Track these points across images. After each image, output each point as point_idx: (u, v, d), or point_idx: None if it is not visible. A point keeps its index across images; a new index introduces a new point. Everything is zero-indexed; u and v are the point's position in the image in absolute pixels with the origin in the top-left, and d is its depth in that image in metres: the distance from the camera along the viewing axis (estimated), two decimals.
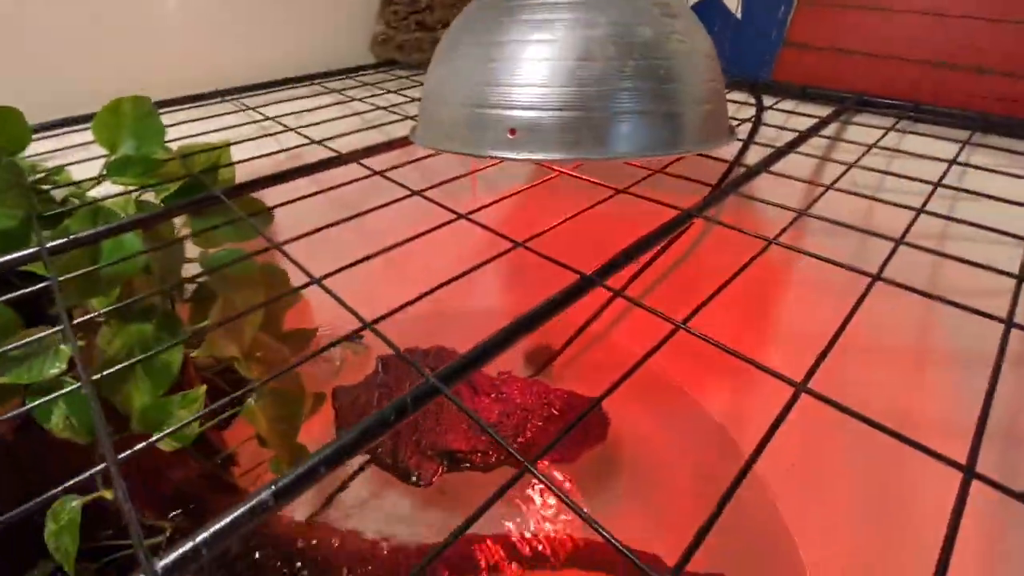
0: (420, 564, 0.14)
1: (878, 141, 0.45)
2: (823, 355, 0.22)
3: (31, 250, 0.32)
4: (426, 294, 0.26)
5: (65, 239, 0.33)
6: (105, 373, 0.27)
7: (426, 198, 0.36)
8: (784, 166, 0.40)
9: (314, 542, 0.49)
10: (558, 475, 0.56)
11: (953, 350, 0.37)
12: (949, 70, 0.52)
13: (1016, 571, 0.32)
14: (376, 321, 0.24)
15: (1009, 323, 0.23)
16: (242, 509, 0.17)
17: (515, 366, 0.67)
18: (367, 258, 0.29)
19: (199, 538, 0.16)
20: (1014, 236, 0.31)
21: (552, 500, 0.54)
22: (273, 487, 0.17)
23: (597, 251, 0.31)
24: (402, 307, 0.25)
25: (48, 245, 0.32)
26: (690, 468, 0.56)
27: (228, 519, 0.16)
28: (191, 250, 0.49)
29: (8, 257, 0.32)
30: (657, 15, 0.32)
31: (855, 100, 0.55)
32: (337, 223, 0.34)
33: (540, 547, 0.49)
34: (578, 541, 0.50)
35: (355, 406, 0.59)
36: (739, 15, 0.64)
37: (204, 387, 0.41)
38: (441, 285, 0.28)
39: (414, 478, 0.49)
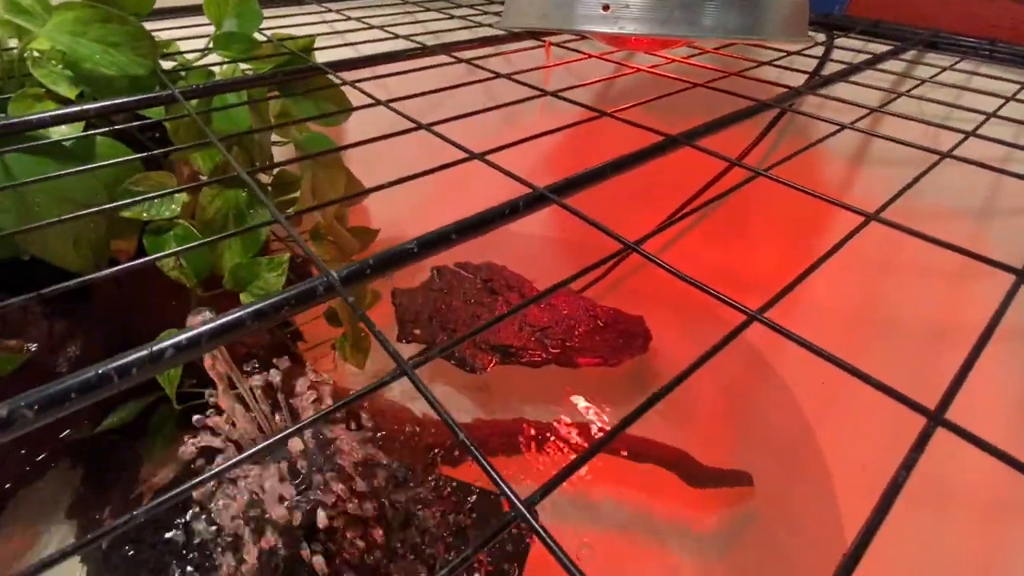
0: (445, 346, 0.16)
1: (955, 63, 0.45)
2: (901, 192, 0.24)
3: (165, 92, 0.36)
4: (520, 141, 0.29)
5: (193, 87, 0.37)
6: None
7: (514, 79, 0.38)
8: (859, 79, 0.41)
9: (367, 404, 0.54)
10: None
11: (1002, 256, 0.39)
12: None
13: None
14: (486, 153, 0.27)
15: None
16: (393, 251, 0.20)
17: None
18: (474, 113, 0.31)
19: (368, 261, 0.19)
20: None
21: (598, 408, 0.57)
22: (416, 241, 0.21)
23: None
24: (508, 146, 0.28)
25: (179, 91, 0.36)
26: (722, 386, 0.59)
27: (385, 256, 0.20)
28: (276, 139, 0.53)
29: (144, 96, 0.35)
30: None
31: (929, 34, 0.55)
32: (436, 91, 0.36)
33: (577, 436, 0.53)
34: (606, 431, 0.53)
35: (412, 305, 0.63)
36: None
37: (288, 254, 0.45)
38: (528, 139, 0.30)
39: (470, 367, 0.53)
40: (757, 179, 0.64)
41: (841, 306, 0.50)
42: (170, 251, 0.39)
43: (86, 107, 0.34)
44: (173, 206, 0.40)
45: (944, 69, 0.44)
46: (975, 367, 0.18)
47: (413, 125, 0.31)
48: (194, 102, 0.37)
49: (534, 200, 0.24)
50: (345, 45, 0.51)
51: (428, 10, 0.65)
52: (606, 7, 0.33)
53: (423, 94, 0.37)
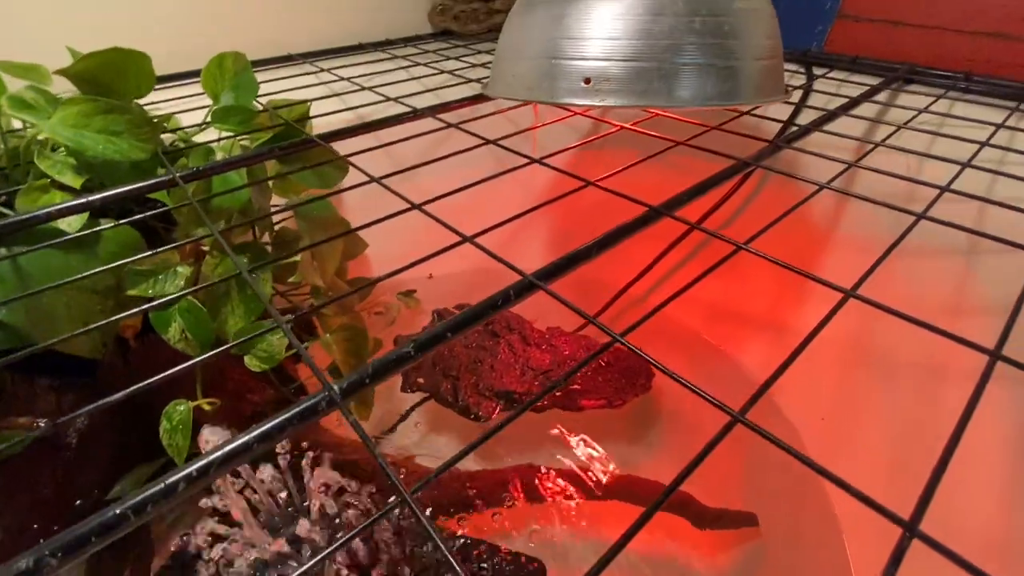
0: (431, 474, 0.17)
1: (930, 105, 0.47)
2: (871, 269, 0.25)
3: (166, 177, 0.37)
4: (513, 219, 0.30)
5: (192, 170, 0.38)
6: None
7: (501, 146, 0.39)
8: (835, 127, 0.42)
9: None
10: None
11: (989, 302, 0.40)
12: (1003, 40, 0.52)
13: None
14: (475, 235, 0.28)
15: None
16: (391, 356, 0.21)
17: (562, 323, 0.71)
18: (465, 188, 0.32)
19: (366, 370, 0.20)
20: None
21: (595, 445, 0.58)
22: (413, 342, 0.21)
23: (655, 201, 0.33)
24: (497, 226, 0.29)
25: (180, 174, 0.37)
26: (725, 419, 0.59)
27: (383, 362, 0.21)
28: (275, 200, 0.54)
29: (147, 183, 0.37)
30: None
31: (906, 70, 0.56)
32: (426, 164, 0.37)
33: (583, 481, 0.53)
34: (614, 476, 0.54)
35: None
36: None
37: (291, 315, 0.46)
38: (522, 214, 0.31)
39: (474, 415, 0.54)
40: (744, 212, 0.65)
41: (836, 340, 0.51)
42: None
43: (91, 199, 0.35)
44: (177, 281, 0.41)
45: (920, 111, 0.46)
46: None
47: (406, 205, 0.32)
48: (194, 185, 0.39)
49: (524, 288, 0.25)
50: (339, 112, 0.53)
51: (417, 64, 0.68)
52: (587, 80, 0.35)
53: (413, 168, 0.39)
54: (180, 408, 0.40)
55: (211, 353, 0.27)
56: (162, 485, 0.16)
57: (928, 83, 0.55)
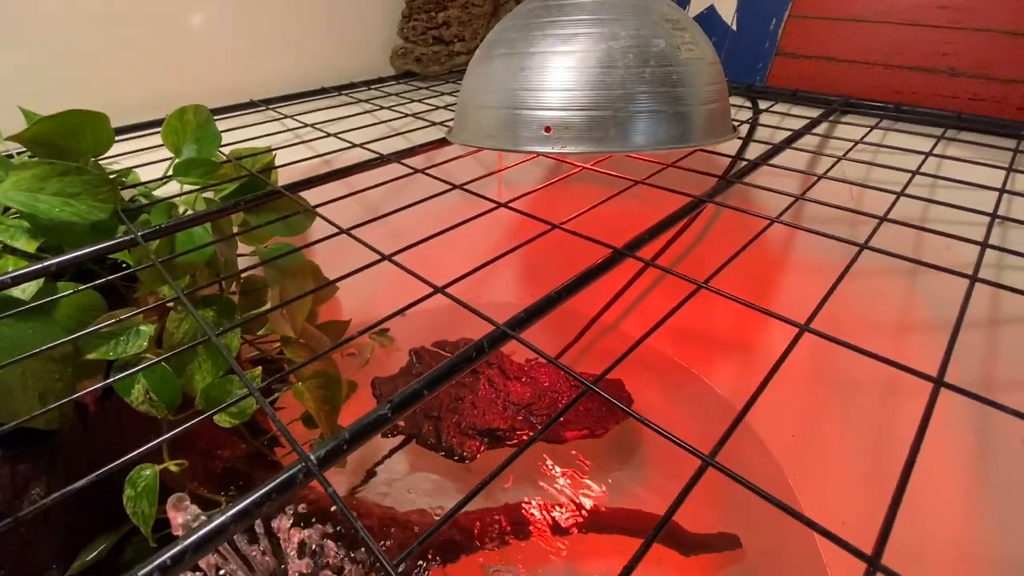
0: (430, 531, 0.17)
1: (865, 136, 0.50)
2: (823, 301, 0.26)
3: (127, 237, 0.36)
4: (482, 267, 0.31)
5: (154, 228, 0.38)
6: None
7: (467, 190, 0.40)
8: (780, 160, 0.45)
9: (355, 514, 0.53)
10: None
11: (931, 320, 0.42)
12: (927, 74, 0.57)
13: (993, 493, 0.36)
14: (446, 286, 0.29)
15: (974, 278, 0.28)
16: (367, 420, 0.21)
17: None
18: (433, 236, 0.33)
19: (346, 434, 0.20)
20: (982, 213, 0.36)
21: (577, 475, 0.58)
22: (389, 403, 0.22)
23: (617, 240, 0.35)
24: (467, 274, 0.29)
25: (141, 233, 0.37)
26: (701, 440, 0.60)
27: (360, 425, 0.21)
28: (240, 248, 0.53)
29: (107, 244, 0.36)
30: (669, 29, 0.37)
31: (842, 102, 0.61)
32: (394, 212, 0.38)
33: (569, 515, 0.53)
34: (601, 508, 0.54)
35: (393, 393, 0.63)
36: (735, 27, 0.70)
37: (260, 368, 0.45)
38: (490, 262, 0.32)
39: (458, 456, 0.54)
40: (703, 240, 0.68)
41: (800, 361, 0.53)
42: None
43: (47, 264, 0.34)
44: (140, 341, 0.40)
45: (856, 142, 0.49)
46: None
47: (376, 256, 0.33)
48: (156, 243, 0.38)
49: (497, 339, 0.25)
50: (306, 160, 0.53)
51: (381, 107, 0.69)
52: (548, 129, 0.36)
53: (382, 217, 0.39)
54: (145, 473, 0.39)
55: (187, 426, 0.26)
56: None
57: (863, 113, 0.59)
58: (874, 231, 0.34)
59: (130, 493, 0.38)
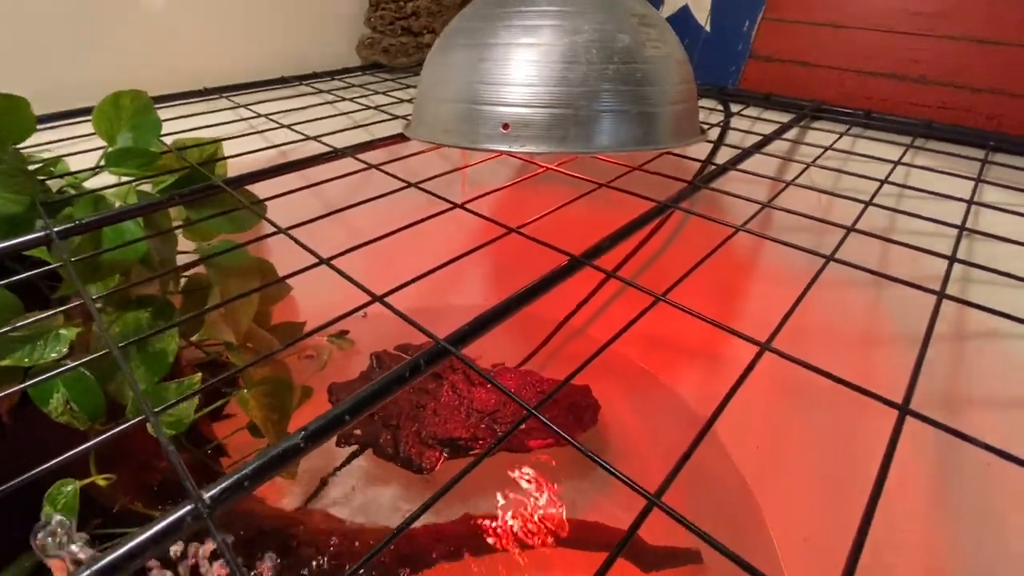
0: (378, 546, 0.15)
1: (834, 143, 0.49)
2: (785, 318, 0.25)
3: (40, 234, 0.33)
4: (431, 272, 0.28)
5: (73, 223, 0.34)
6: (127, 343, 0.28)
7: (423, 189, 0.38)
8: (750, 165, 0.44)
9: (301, 528, 0.50)
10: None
11: (896, 331, 0.42)
12: (898, 81, 0.57)
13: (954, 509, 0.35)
14: (386, 295, 0.27)
15: (941, 294, 0.27)
16: (275, 451, 0.19)
17: (506, 358, 0.69)
18: (379, 238, 0.31)
19: (244, 471, 0.17)
20: (950, 225, 0.35)
21: (542, 487, 0.56)
22: (303, 432, 0.19)
23: (580, 244, 0.33)
24: (409, 282, 0.27)
25: (56, 229, 0.33)
26: (666, 448, 0.59)
27: (266, 458, 0.18)
28: (184, 244, 0.50)
29: (17, 240, 0.33)
30: (635, 24, 0.35)
31: (813, 107, 0.60)
32: (344, 209, 0.36)
33: (531, 527, 0.51)
34: (563, 521, 0.52)
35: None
36: (708, 28, 0.69)
37: (199, 374, 0.42)
38: (441, 266, 0.30)
39: (416, 467, 0.51)
40: (673, 242, 0.66)
41: (764, 372, 0.52)
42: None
43: None
44: (59, 346, 0.37)
45: (826, 149, 0.48)
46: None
47: (315, 259, 0.30)
48: (78, 239, 0.35)
49: (435, 355, 0.23)
50: (257, 151, 0.50)
51: (343, 99, 0.66)
52: (506, 126, 0.34)
53: (328, 214, 0.37)
54: (66, 489, 0.36)
55: (113, 432, 0.23)
56: None
57: (833, 119, 0.59)
58: (841, 241, 0.33)
59: (48, 511, 0.35)
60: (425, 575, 0.46)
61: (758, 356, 0.24)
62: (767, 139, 0.49)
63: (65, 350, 0.37)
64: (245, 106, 0.61)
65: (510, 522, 0.51)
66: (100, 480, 0.39)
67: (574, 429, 0.57)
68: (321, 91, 0.69)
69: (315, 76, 0.74)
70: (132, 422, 0.22)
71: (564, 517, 0.52)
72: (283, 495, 0.54)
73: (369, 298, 0.27)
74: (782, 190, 0.39)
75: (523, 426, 0.58)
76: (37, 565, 0.43)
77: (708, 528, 0.55)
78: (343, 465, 0.56)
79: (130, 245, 0.38)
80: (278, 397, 0.49)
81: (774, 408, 0.52)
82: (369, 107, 0.62)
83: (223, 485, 0.17)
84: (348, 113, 0.62)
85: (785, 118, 0.56)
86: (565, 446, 0.56)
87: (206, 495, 0.17)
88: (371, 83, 0.74)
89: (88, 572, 0.15)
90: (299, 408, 0.55)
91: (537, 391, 0.60)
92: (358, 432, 0.56)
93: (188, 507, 0.16)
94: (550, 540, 0.51)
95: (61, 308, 0.31)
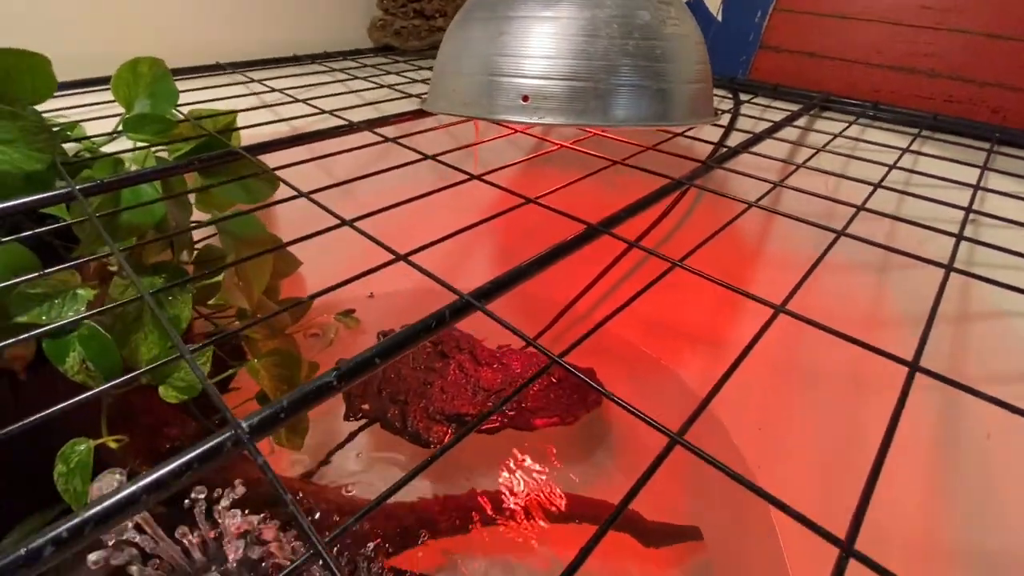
0: (358, 515, 0.15)
1: (843, 131, 0.50)
2: (798, 285, 0.26)
3: (64, 190, 0.33)
4: (452, 235, 0.29)
5: (95, 183, 0.35)
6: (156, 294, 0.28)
7: (440, 161, 0.38)
8: (760, 149, 0.45)
9: (299, 495, 0.50)
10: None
11: (901, 313, 0.42)
12: (906, 73, 0.58)
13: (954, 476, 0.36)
14: (409, 254, 0.27)
15: (949, 268, 0.28)
16: (309, 388, 0.19)
17: (512, 340, 0.70)
18: (401, 203, 0.31)
19: (280, 403, 0.18)
20: (956, 207, 0.36)
21: (545, 465, 0.57)
22: (336, 371, 0.20)
23: (593, 219, 0.34)
24: (433, 243, 0.28)
25: (79, 187, 0.34)
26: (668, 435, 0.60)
27: (300, 394, 0.19)
28: (198, 217, 0.50)
29: (40, 196, 0.33)
30: (655, 2, 0.36)
31: (821, 98, 0.61)
32: (362, 177, 0.36)
33: (534, 502, 0.52)
34: (567, 497, 0.53)
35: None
36: (720, 18, 0.69)
37: (198, 345, 0.43)
38: (461, 231, 0.30)
39: (424, 441, 0.52)
40: (681, 228, 0.67)
41: (767, 353, 0.53)
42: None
43: None
44: (77, 306, 0.37)
45: (835, 136, 0.49)
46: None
47: (336, 221, 0.31)
48: (98, 199, 0.35)
49: (460, 308, 0.24)
50: (270, 123, 0.50)
51: (356, 78, 0.66)
52: (525, 98, 0.35)
53: (347, 182, 0.37)
54: (79, 448, 0.36)
55: (114, 382, 0.24)
56: (23, 551, 0.14)
57: (841, 110, 0.59)
58: (851, 220, 0.33)
59: (62, 469, 0.35)
60: (433, 545, 0.47)
61: (772, 318, 0.24)
62: (777, 126, 0.50)
63: (83, 309, 0.37)
64: (259, 81, 0.61)
65: (514, 497, 0.52)
66: (111, 441, 0.40)
67: (578, 409, 0.58)
68: (334, 69, 0.69)
69: (327, 56, 0.75)
70: (166, 360, 0.22)
71: (567, 493, 0.53)
72: (291, 464, 0.55)
73: (391, 257, 0.27)
74: (793, 172, 0.40)
75: (528, 405, 0.59)
76: (50, 522, 0.44)
77: (707, 507, 0.56)
78: (351, 437, 0.56)
79: (148, 207, 0.38)
80: (287, 369, 0.49)
81: (776, 390, 0.53)
82: (382, 86, 0.62)
83: (261, 416, 0.18)
84: (359, 92, 0.62)
85: (794, 108, 0.57)
86: (570, 425, 0.57)
87: (245, 423, 0.17)
88: (383, 64, 0.74)
89: (138, 486, 0.15)
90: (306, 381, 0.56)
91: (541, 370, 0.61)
92: (366, 407, 0.56)
93: (228, 433, 0.17)
94: (552, 515, 0.52)
95: (82, 260, 0.31)
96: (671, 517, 0.51)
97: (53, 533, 0.14)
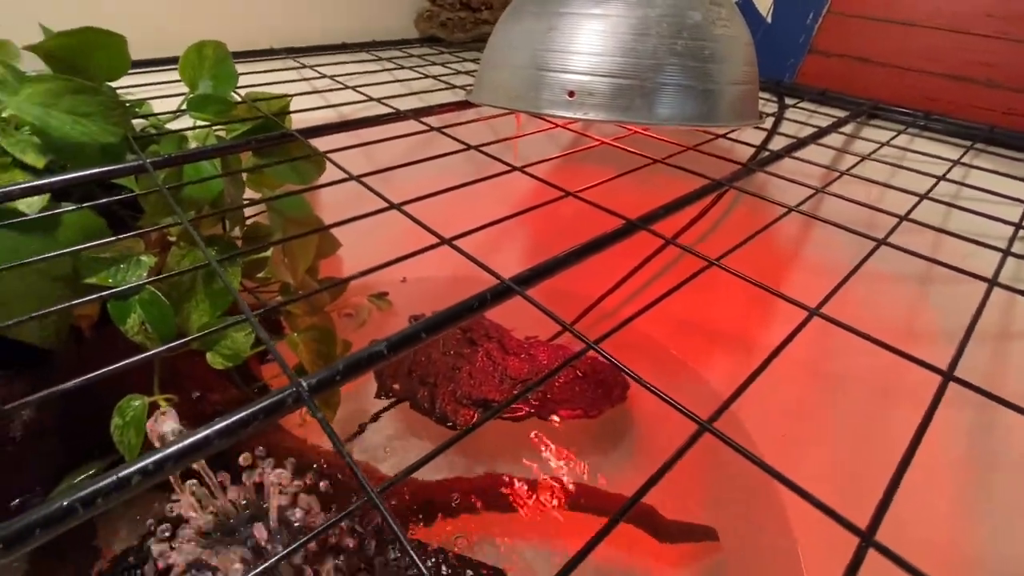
0: (400, 474, 0.16)
1: (892, 139, 0.49)
2: (835, 290, 0.26)
3: (136, 163, 0.36)
4: (494, 223, 0.30)
5: (163, 157, 0.37)
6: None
7: (483, 152, 0.39)
8: (804, 154, 0.44)
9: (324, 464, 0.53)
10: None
11: (940, 329, 0.42)
12: (964, 83, 0.56)
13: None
14: (454, 238, 0.28)
15: (992, 282, 0.27)
16: (362, 354, 0.21)
17: (539, 333, 0.71)
18: (445, 191, 0.33)
19: (336, 367, 0.20)
20: (1006, 222, 0.35)
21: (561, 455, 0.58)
22: (386, 341, 0.21)
23: (629, 215, 0.34)
24: (475, 230, 0.29)
25: (150, 160, 0.36)
26: (691, 430, 0.60)
27: (354, 359, 0.20)
28: (249, 193, 0.53)
29: (114, 167, 0.36)
30: (706, 2, 0.36)
31: (870, 106, 0.59)
32: (407, 164, 0.37)
33: (551, 492, 0.53)
34: (584, 488, 0.54)
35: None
36: (770, 19, 0.68)
37: (260, 311, 0.45)
38: (503, 219, 0.31)
39: (450, 423, 0.54)
40: (716, 231, 0.67)
41: (796, 360, 0.52)
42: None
43: (53, 180, 0.34)
44: (140, 271, 0.40)
45: (883, 144, 0.48)
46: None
47: (384, 204, 0.32)
48: (164, 172, 0.38)
49: (500, 292, 0.25)
50: (320, 108, 0.52)
51: (402, 67, 0.67)
52: (571, 93, 0.35)
53: (392, 168, 0.39)
54: (134, 404, 0.39)
55: (170, 345, 0.26)
56: (114, 478, 0.16)
57: (890, 119, 0.58)
58: (892, 229, 0.33)
59: (118, 422, 0.38)
60: (456, 521, 0.48)
61: (806, 320, 0.25)
62: (822, 132, 0.49)
63: (144, 274, 0.40)
64: (311, 67, 0.63)
65: (532, 484, 0.53)
66: (162, 400, 0.42)
67: (602, 403, 0.59)
68: (381, 58, 0.71)
69: (374, 45, 0.77)
70: (229, 323, 0.24)
71: (584, 485, 0.54)
72: (322, 436, 0.57)
73: (436, 240, 0.29)
74: (835, 179, 0.40)
75: (552, 396, 0.59)
76: (105, 468, 0.47)
77: (726, 508, 0.57)
78: (381, 413, 0.59)
79: (208, 183, 0.41)
80: (324, 344, 0.51)
81: (801, 398, 0.53)
82: (427, 76, 0.64)
83: (319, 376, 0.19)
84: (404, 81, 0.64)
85: (840, 114, 0.56)
86: (594, 419, 0.58)
87: (305, 382, 0.19)
88: (429, 54, 0.75)
89: (211, 430, 0.17)
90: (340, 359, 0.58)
91: (569, 365, 0.62)
92: (397, 387, 0.58)
93: (290, 389, 0.18)
94: (568, 505, 0.53)
95: (153, 228, 0.34)
96: (687, 518, 0.51)
97: (139, 465, 0.16)
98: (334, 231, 0.58)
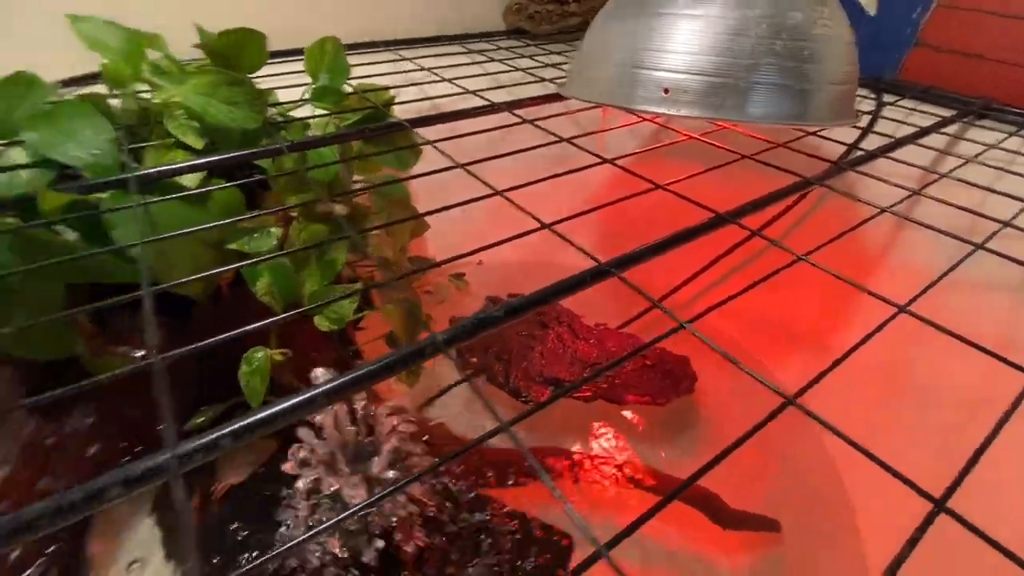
0: (467, 445, 0.19)
1: (1002, 141, 0.47)
2: (928, 287, 0.27)
3: (274, 146, 0.41)
4: (592, 210, 0.33)
5: (293, 142, 0.42)
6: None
7: (575, 144, 0.42)
8: (900, 154, 0.43)
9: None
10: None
11: None
12: None
13: None
14: (554, 223, 0.31)
15: None
16: (482, 316, 0.24)
17: (609, 320, 0.73)
18: (544, 179, 0.36)
19: (463, 324, 0.23)
20: None
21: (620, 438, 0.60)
22: (503, 308, 0.25)
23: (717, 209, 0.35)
24: (577, 215, 0.32)
25: (286, 144, 0.41)
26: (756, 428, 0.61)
27: (476, 319, 0.24)
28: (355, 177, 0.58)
29: (257, 149, 0.41)
30: (810, 1, 0.37)
31: (981, 104, 0.56)
32: (504, 155, 0.41)
33: (615, 470, 0.56)
34: (643, 468, 0.56)
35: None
36: (873, 12, 0.65)
37: (360, 283, 0.50)
38: (599, 207, 0.34)
39: (523, 397, 0.57)
40: (801, 227, 0.66)
41: (876, 366, 0.52)
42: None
43: (211, 159, 0.40)
44: (270, 241, 0.46)
45: (990, 147, 0.46)
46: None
47: (489, 190, 0.36)
48: (295, 155, 0.43)
49: (598, 274, 0.28)
50: (419, 100, 0.56)
51: (492, 60, 0.71)
52: (666, 90, 0.37)
53: (495, 157, 0.42)
54: (259, 355, 0.45)
55: (294, 312, 0.31)
56: (306, 395, 0.20)
57: (1001, 119, 0.55)
58: (992, 234, 0.33)
59: (245, 369, 0.44)
60: (524, 489, 0.52)
61: (892, 317, 0.26)
62: (923, 131, 0.48)
63: (274, 244, 0.46)
64: (409, 59, 0.68)
65: (594, 461, 0.56)
66: (278, 355, 0.49)
67: (669, 394, 0.60)
68: (472, 51, 0.75)
69: (466, 36, 0.80)
70: (358, 288, 0.28)
71: (648, 466, 0.56)
72: (399, 402, 0.63)
73: (537, 225, 0.32)
74: (933, 181, 0.39)
75: (620, 381, 0.62)
76: (221, 415, 0.55)
77: (790, 503, 0.57)
78: (459, 383, 0.63)
79: (328, 167, 0.46)
80: (412, 316, 0.56)
81: (880, 407, 0.52)
82: (516, 69, 0.67)
83: (454, 331, 0.23)
84: (493, 74, 0.67)
85: (946, 113, 0.54)
86: (662, 406, 0.60)
87: (440, 337, 0.23)
88: (516, 47, 0.78)
89: (356, 374, 0.21)
90: (424, 332, 0.63)
91: (640, 353, 0.64)
92: (474, 360, 0.63)
93: (428, 341, 0.22)
94: (630, 482, 0.55)
95: (292, 206, 0.39)
96: (750, 508, 0.52)
97: (286, 404, 0.20)
98: (424, 209, 0.62)
